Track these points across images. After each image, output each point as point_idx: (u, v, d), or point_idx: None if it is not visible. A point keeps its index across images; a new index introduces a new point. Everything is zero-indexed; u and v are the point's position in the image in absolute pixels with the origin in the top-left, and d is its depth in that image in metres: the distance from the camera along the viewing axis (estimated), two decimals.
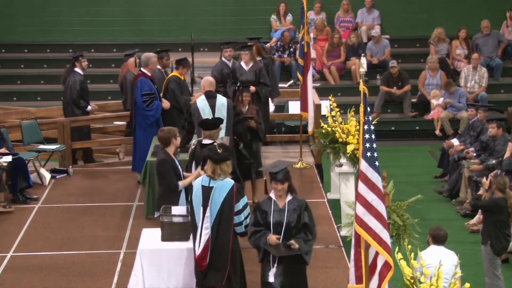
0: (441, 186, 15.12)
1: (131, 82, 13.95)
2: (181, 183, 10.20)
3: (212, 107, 11.88)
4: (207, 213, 8.74)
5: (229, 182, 8.78)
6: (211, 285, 8.84)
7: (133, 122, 13.50)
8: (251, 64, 14.37)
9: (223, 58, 15.10)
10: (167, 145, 10.34)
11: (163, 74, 14.31)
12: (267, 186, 9.00)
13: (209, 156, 8.83)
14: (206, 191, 8.76)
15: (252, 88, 13.87)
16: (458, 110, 18.23)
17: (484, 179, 11.33)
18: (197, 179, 9.03)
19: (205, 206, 8.76)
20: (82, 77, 14.77)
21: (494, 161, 13.78)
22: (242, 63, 14.46)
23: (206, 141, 10.13)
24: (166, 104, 13.45)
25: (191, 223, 9.01)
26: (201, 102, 11.90)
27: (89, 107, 14.87)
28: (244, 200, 8.88)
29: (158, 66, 14.03)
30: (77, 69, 14.77)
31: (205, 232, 8.75)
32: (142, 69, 13.39)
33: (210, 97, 11.90)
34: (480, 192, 11.14)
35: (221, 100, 11.91)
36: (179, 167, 10.29)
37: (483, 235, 10.69)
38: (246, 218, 8.87)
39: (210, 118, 11.20)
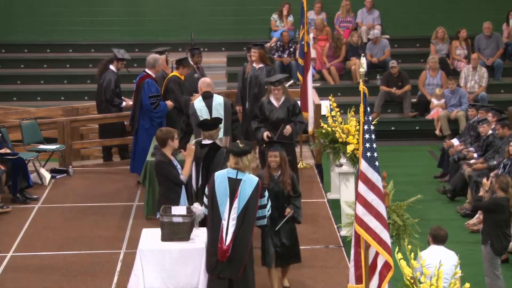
0: (442, 186, 15.08)
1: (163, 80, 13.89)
2: (182, 176, 10.17)
3: (209, 107, 11.91)
4: (235, 205, 8.81)
5: (255, 178, 8.98)
6: (227, 276, 8.89)
7: (136, 123, 13.44)
8: (283, 99, 12.62)
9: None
10: (163, 146, 10.29)
11: (195, 70, 14.50)
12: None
13: (230, 150, 9.06)
14: (234, 183, 8.86)
15: (288, 129, 12.47)
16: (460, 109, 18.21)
17: (484, 180, 11.31)
18: (221, 171, 9.05)
19: (232, 197, 8.83)
20: (116, 75, 14.65)
21: (495, 162, 13.75)
22: (272, 99, 12.63)
23: (207, 142, 10.17)
24: (168, 104, 13.45)
25: (211, 215, 8.96)
26: (198, 103, 11.94)
27: (123, 103, 14.78)
28: (267, 194, 9.13)
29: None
30: (112, 67, 14.65)
31: (232, 223, 8.81)
32: (148, 71, 13.32)
33: (207, 98, 11.96)
34: (481, 193, 11.09)
35: (218, 100, 11.97)
36: (178, 166, 10.27)
37: (484, 235, 10.67)
38: (268, 210, 9.17)
39: (208, 118, 11.21)
